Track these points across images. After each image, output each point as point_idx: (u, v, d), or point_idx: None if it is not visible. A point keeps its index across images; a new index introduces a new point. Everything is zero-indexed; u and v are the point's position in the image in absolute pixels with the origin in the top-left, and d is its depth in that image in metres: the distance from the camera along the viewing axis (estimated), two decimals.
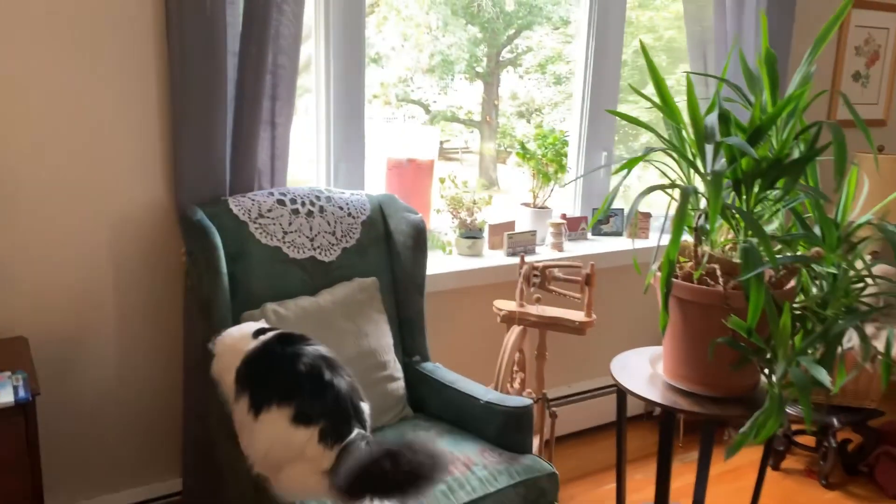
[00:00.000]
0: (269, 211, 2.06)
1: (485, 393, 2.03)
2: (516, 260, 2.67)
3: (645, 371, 2.16)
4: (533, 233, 2.82)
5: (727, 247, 1.95)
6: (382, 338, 2.10)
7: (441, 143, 4.74)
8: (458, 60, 3.76)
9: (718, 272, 1.89)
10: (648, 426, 3.11)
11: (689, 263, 2.03)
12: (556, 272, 2.33)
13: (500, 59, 3.93)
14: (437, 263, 2.61)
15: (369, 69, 2.63)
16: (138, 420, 2.12)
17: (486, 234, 2.81)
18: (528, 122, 3.65)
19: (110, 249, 2.01)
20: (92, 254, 1.99)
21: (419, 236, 2.18)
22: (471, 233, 2.73)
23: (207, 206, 2.00)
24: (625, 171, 1.92)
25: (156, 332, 2.11)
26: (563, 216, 3.00)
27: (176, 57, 1.95)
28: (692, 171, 1.96)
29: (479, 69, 3.93)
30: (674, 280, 2.00)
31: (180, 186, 2.04)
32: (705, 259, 1.92)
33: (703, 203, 1.96)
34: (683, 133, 1.97)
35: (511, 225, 2.88)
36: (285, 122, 2.16)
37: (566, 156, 2.95)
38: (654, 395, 2.02)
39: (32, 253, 1.90)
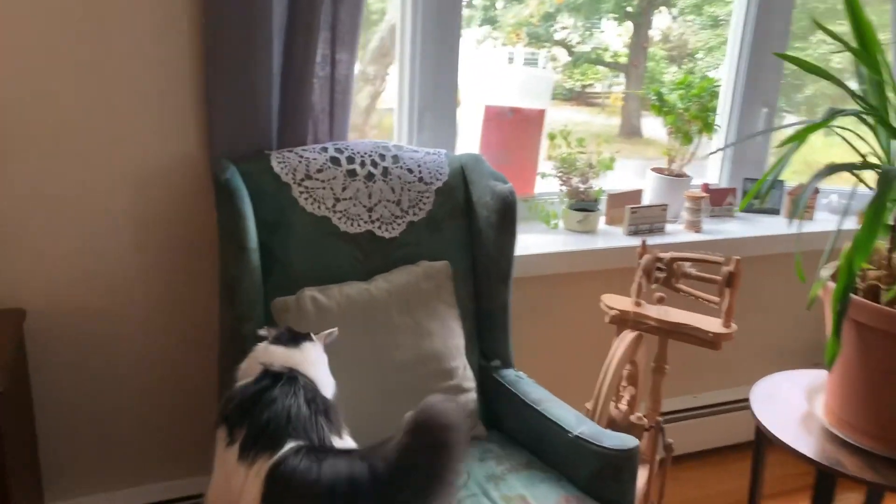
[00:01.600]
0: (319, 171, 1.65)
1: (577, 423, 1.56)
2: (637, 241, 2.13)
3: (798, 407, 1.61)
4: (663, 207, 2.27)
5: None
6: (450, 338, 1.66)
7: (583, 86, 4.37)
8: None
9: None
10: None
11: (877, 274, 1.45)
12: (688, 267, 1.79)
13: None
14: (536, 240, 2.13)
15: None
16: (161, 410, 1.81)
17: (603, 205, 2.29)
18: (679, 67, 3.31)
19: (132, 211, 1.68)
20: (110, 215, 1.66)
21: (506, 212, 1.70)
22: (583, 204, 2.21)
23: (245, 162, 1.62)
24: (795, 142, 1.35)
25: (186, 311, 1.78)
26: (705, 187, 2.41)
27: None
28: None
29: (629, 9, 3.65)
30: (853, 297, 1.43)
31: (215, 138, 1.66)
32: None
33: None
34: (889, 92, 1.36)
35: (636, 195, 2.33)
36: (348, 58, 1.73)
37: (714, 111, 2.34)
38: (810, 446, 1.50)
39: (38, 212, 1.60)
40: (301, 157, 1.65)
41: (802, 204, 1.46)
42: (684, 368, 2.23)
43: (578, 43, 4.19)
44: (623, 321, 1.85)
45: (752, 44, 2.42)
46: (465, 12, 3.51)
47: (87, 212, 1.64)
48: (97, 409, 1.75)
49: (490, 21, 3.66)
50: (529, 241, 2.12)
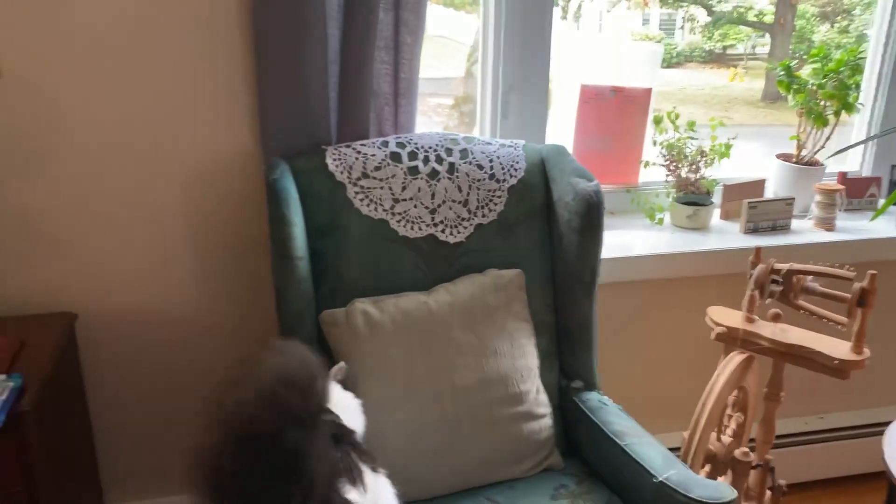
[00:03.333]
0: (377, 169, 1.49)
1: (664, 465, 1.33)
2: (757, 241, 1.84)
3: None
4: (789, 201, 1.95)
5: None
6: (520, 358, 1.47)
7: (724, 48, 4.08)
8: None
9: None
10: None
11: None
12: (810, 281, 1.50)
13: None
14: (636, 238, 1.89)
15: None
16: None
17: (718, 198, 2.00)
18: (832, 26, 2.97)
19: (185, 211, 1.59)
20: (162, 217, 1.58)
21: (590, 214, 1.48)
22: (693, 197, 1.93)
23: (300, 158, 1.49)
24: None
25: (243, 314, 1.68)
26: (842, 177, 2.06)
27: None
28: None
29: None
30: None
31: (269, 133, 1.53)
32: None
33: None
34: None
35: (758, 186, 2.03)
36: (413, 42, 1.55)
37: (857, 87, 1.99)
38: None
39: (88, 214, 1.54)
40: (359, 152, 1.49)
41: None
42: (804, 387, 1.92)
43: (719, 2, 3.90)
44: (731, 339, 1.59)
45: None
46: None
47: (138, 213, 1.56)
48: (152, 412, 1.70)
49: None
50: (628, 240, 1.88)
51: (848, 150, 2.07)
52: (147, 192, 1.55)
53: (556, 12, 3.55)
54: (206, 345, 1.68)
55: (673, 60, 4.24)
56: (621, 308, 1.87)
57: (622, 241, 1.88)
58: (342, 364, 1.27)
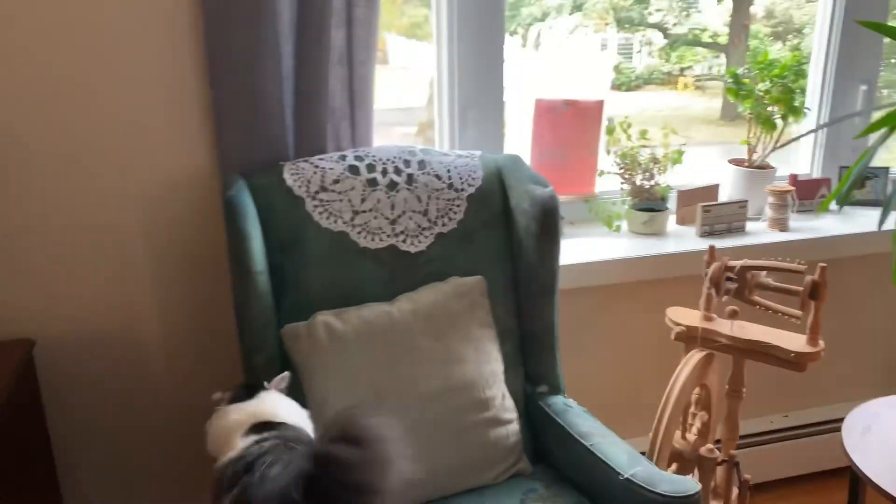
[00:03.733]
0: (336, 182, 1.50)
1: (629, 462, 1.34)
2: (715, 244, 1.88)
3: None
4: (742, 204, 2.00)
5: None
6: (485, 364, 1.48)
7: (681, 69, 4.19)
8: None
9: None
10: None
11: None
12: (764, 277, 1.54)
13: None
14: (595, 245, 1.91)
15: None
16: (182, 435, 1.70)
17: (673, 204, 2.04)
18: (784, 44, 3.04)
19: (144, 232, 1.58)
20: (120, 238, 1.57)
21: (546, 219, 1.50)
22: (648, 203, 1.97)
23: (257, 174, 1.49)
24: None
25: (205, 334, 1.66)
26: (793, 179, 2.12)
27: None
28: None
29: None
30: None
31: (225, 150, 1.54)
32: None
33: None
34: None
35: (712, 191, 2.07)
36: (366, 57, 1.57)
37: (802, 91, 2.05)
38: None
39: (44, 236, 1.52)
40: (316, 167, 1.50)
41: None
42: (769, 386, 1.95)
43: (675, 24, 4.00)
44: (691, 338, 1.62)
45: (844, 9, 2.10)
46: (555, 1, 3.31)
47: (97, 236, 1.55)
48: (114, 435, 1.67)
49: (579, 8, 3.47)
50: (587, 247, 1.91)
51: (791, 143, 2.11)
52: (105, 214, 1.54)
53: (516, 41, 3.62)
54: (169, 365, 1.66)
55: (632, 84, 4.33)
56: (584, 313, 1.89)
57: (582, 248, 1.91)
58: (286, 374, 1.28)
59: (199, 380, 1.67)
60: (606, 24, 3.50)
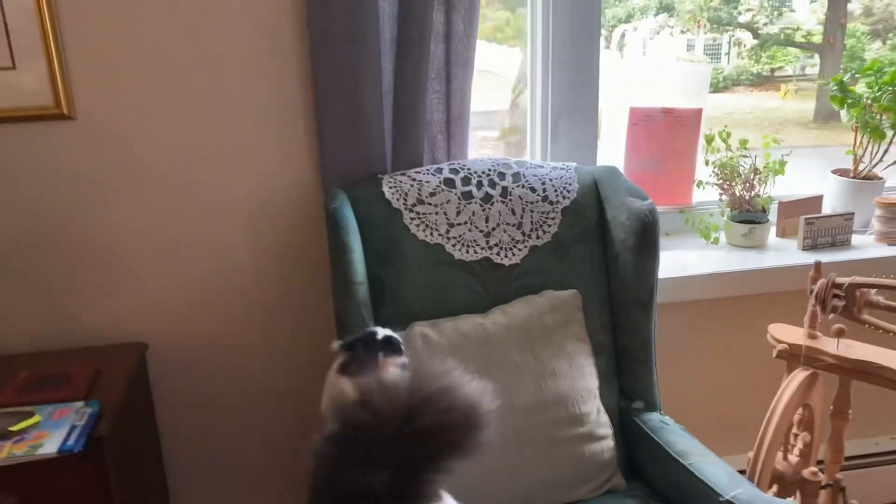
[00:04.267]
0: (432, 195, 1.52)
1: (730, 484, 1.31)
2: (815, 258, 1.82)
3: None
4: (848, 216, 1.92)
5: None
6: (580, 379, 1.47)
7: (772, 70, 4.08)
8: None
9: None
10: None
11: None
12: (874, 294, 1.47)
13: None
14: (691, 258, 1.88)
15: None
16: (288, 440, 1.76)
17: (774, 216, 1.98)
18: (884, 42, 2.96)
19: (249, 241, 1.64)
20: (226, 247, 1.64)
21: (645, 233, 1.48)
22: (748, 215, 1.92)
23: (357, 187, 1.53)
24: None
25: (308, 340, 1.72)
26: None
27: None
28: None
29: None
30: None
31: (327, 163, 1.58)
32: None
33: None
34: None
35: (815, 202, 2.00)
36: (463, 71, 1.59)
37: None
38: None
39: (157, 245, 1.60)
40: (413, 180, 1.53)
41: None
42: (874, 406, 1.87)
43: (766, 24, 3.89)
44: (794, 357, 1.57)
45: None
46: (640, 1, 3.29)
47: (202, 244, 1.62)
48: (222, 439, 1.74)
49: (667, 9, 3.42)
50: (684, 260, 1.88)
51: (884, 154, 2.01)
52: (212, 224, 1.61)
53: (601, 43, 3.56)
54: (272, 371, 1.72)
55: (720, 85, 4.22)
56: (680, 328, 1.86)
57: (678, 261, 1.88)
58: (405, 360, 1.22)
59: (298, 385, 1.73)
60: (699, 25, 3.42)
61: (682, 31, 3.55)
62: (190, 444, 1.74)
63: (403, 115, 1.57)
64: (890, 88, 1.89)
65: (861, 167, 2.01)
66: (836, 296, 1.49)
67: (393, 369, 1.21)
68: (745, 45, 4.10)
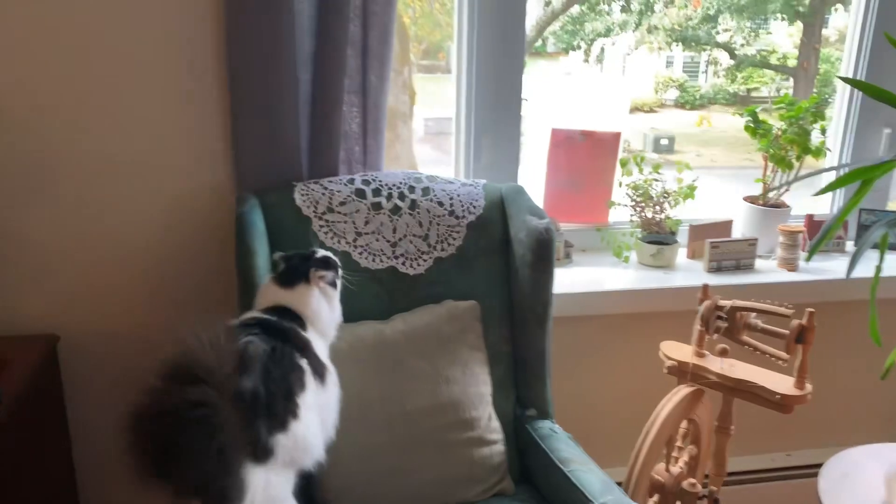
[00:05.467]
0: (342, 204, 1.58)
1: (602, 491, 1.38)
2: (722, 280, 1.91)
3: (875, 497, 1.34)
4: (751, 241, 2.01)
5: None
6: (473, 386, 1.54)
7: (748, 91, 4.18)
8: None
9: None
10: None
11: None
12: (753, 318, 1.56)
13: None
14: (603, 275, 1.96)
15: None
16: None
17: (685, 238, 2.07)
18: None
19: (165, 241, 1.69)
20: (142, 246, 1.68)
21: (541, 250, 1.55)
22: (657, 236, 2.00)
23: (270, 193, 1.58)
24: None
25: None
26: (809, 220, 2.12)
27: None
28: None
29: (801, 8, 3.47)
30: None
31: (243, 169, 1.64)
32: None
33: None
34: None
35: (725, 227, 2.09)
36: (379, 83, 1.65)
37: (823, 131, 2.06)
38: None
39: (73, 240, 1.64)
40: (325, 188, 1.59)
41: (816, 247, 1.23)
42: (769, 424, 1.96)
43: (743, 45, 3.97)
44: (682, 373, 1.66)
45: (870, 52, 2.11)
46: (619, 17, 3.38)
47: (117, 240, 1.66)
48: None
49: (645, 24, 3.51)
50: (594, 276, 1.96)
51: (788, 185, 2.10)
52: (127, 221, 1.66)
53: (579, 56, 3.65)
54: None
55: (696, 103, 4.32)
56: (586, 341, 1.94)
57: (591, 277, 1.96)
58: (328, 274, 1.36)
59: None
60: (666, 45, 3.51)
61: (660, 48, 3.65)
62: (102, 438, 1.77)
63: (321, 125, 1.63)
64: (796, 122, 1.98)
65: (770, 195, 2.10)
66: (719, 317, 1.57)
67: (323, 284, 1.34)
68: (721, 65, 4.21)
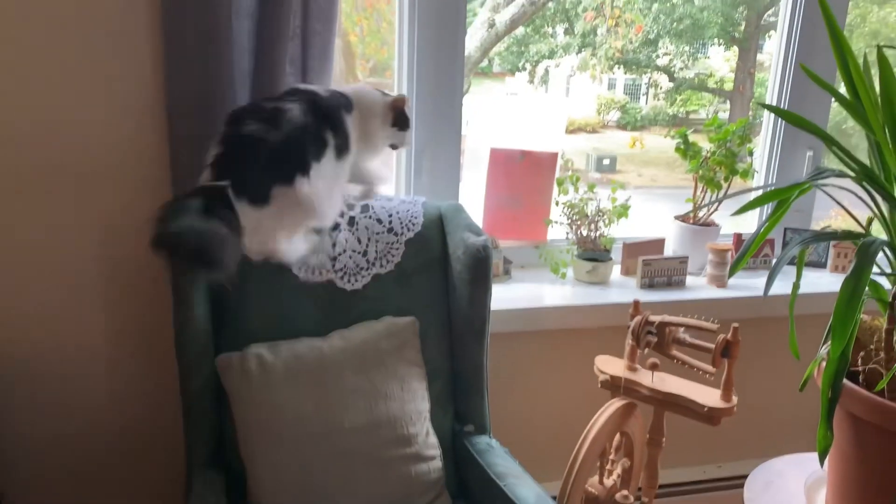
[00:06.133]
0: None
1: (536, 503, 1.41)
2: (654, 296, 1.97)
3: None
4: (682, 259, 2.08)
5: None
6: (411, 402, 1.55)
7: (687, 113, 4.29)
8: (711, 24, 3.49)
9: None
10: None
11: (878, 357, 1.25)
12: (681, 333, 1.61)
13: (762, 22, 3.58)
14: (541, 291, 2.00)
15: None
16: (129, 453, 1.77)
17: (619, 255, 2.13)
18: None
19: (100, 259, 1.66)
20: (75, 265, 1.65)
21: (478, 266, 1.58)
22: (592, 253, 2.06)
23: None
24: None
25: (151, 362, 1.74)
26: (737, 238, 2.21)
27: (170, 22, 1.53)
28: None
29: (736, 34, 3.63)
30: (847, 383, 1.23)
31: (181, 182, 1.62)
32: None
33: None
34: (885, 150, 1.17)
35: (658, 245, 2.16)
36: None
37: (750, 153, 2.14)
38: None
39: (3, 251, 1.60)
40: None
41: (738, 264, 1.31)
42: (700, 437, 2.02)
43: (681, 69, 4.08)
44: (615, 387, 1.70)
45: (793, 76, 2.21)
46: (563, 39, 3.46)
47: (52, 255, 1.63)
48: (62, 453, 1.74)
49: (588, 46, 3.59)
50: (533, 292, 2.00)
51: (717, 204, 2.18)
52: (60, 236, 1.62)
53: (524, 76, 3.71)
54: (111, 385, 1.73)
55: (637, 124, 4.43)
56: (525, 356, 1.97)
57: (529, 293, 2.00)
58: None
59: (138, 401, 1.75)
60: (608, 68, 3.60)
61: (602, 71, 3.74)
62: (28, 460, 1.73)
63: None
64: (723, 144, 2.07)
65: (700, 214, 2.18)
66: (649, 332, 1.62)
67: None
68: (661, 88, 4.34)
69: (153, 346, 1.73)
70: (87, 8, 1.53)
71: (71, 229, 1.63)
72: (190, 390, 1.48)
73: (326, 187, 1.45)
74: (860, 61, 1.31)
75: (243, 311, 1.54)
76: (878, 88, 1.24)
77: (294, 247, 1.45)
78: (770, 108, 2.05)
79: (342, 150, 1.49)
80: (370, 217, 1.64)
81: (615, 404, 1.64)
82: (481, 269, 1.58)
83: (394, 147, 1.68)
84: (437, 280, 1.67)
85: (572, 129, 4.25)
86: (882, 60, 1.17)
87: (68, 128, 1.58)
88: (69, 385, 1.71)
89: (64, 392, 1.71)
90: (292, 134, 1.38)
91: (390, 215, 1.65)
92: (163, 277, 1.59)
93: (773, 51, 2.29)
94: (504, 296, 1.91)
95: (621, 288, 2.05)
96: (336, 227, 1.57)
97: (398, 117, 1.62)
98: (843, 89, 1.37)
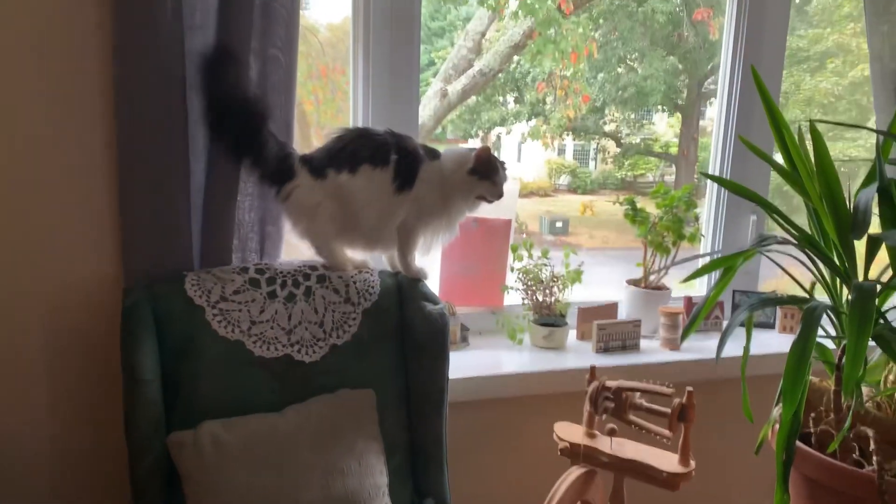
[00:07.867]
0: (236, 293, 1.57)
1: None
2: (609, 360, 1.99)
3: None
4: (636, 323, 2.11)
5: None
6: (369, 477, 1.52)
7: (635, 176, 4.39)
8: (655, 92, 3.59)
9: (873, 442, 1.14)
10: None
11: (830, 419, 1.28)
12: (638, 398, 1.63)
13: (703, 90, 3.70)
14: (498, 358, 2.00)
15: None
16: None
17: (574, 319, 2.16)
18: None
19: (46, 330, 1.61)
20: (20, 334, 1.60)
21: (436, 336, 1.58)
22: (548, 319, 2.08)
23: (159, 284, 1.55)
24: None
25: (100, 440, 1.68)
26: (687, 301, 2.26)
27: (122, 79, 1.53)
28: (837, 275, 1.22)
29: (679, 101, 3.76)
30: (800, 446, 1.26)
31: (131, 258, 1.59)
32: (849, 418, 1.17)
33: None
34: (823, 217, 1.23)
35: (611, 309, 2.19)
36: None
37: (696, 219, 2.21)
38: None
39: None
40: (218, 278, 1.57)
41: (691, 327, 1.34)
42: (656, 501, 2.01)
43: (628, 134, 4.21)
44: (575, 454, 1.69)
45: (733, 143, 2.30)
46: (514, 107, 3.56)
47: None
48: None
49: (539, 115, 3.69)
50: (490, 359, 2.00)
51: (665, 270, 2.24)
52: (4, 311, 1.58)
53: (476, 143, 3.80)
54: (58, 467, 1.67)
55: (587, 187, 4.54)
56: (483, 425, 1.96)
57: (486, 360, 2.00)
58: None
59: (86, 480, 1.69)
60: (558, 135, 3.71)
61: (553, 138, 3.85)
62: None
63: (215, 214, 1.62)
64: (670, 210, 2.13)
65: (651, 278, 2.23)
66: (606, 398, 1.63)
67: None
68: (609, 153, 4.47)
69: (100, 423, 1.67)
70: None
71: (14, 311, 1.59)
72: (140, 470, 1.43)
73: (374, 197, 1.61)
74: (795, 132, 1.38)
75: (196, 387, 1.51)
76: (812, 159, 1.30)
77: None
78: (712, 177, 2.12)
79: (403, 177, 1.62)
80: (327, 287, 1.63)
81: (575, 472, 1.63)
82: (439, 338, 1.58)
83: (483, 199, 1.72)
84: (394, 350, 1.66)
85: (525, 193, 4.35)
86: (815, 133, 1.24)
87: (12, 190, 1.55)
88: (14, 466, 1.63)
89: (7, 474, 1.63)
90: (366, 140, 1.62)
91: (347, 285, 1.65)
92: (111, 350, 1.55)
93: (714, 120, 2.39)
94: (462, 363, 1.91)
95: (577, 353, 2.06)
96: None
97: (479, 164, 1.65)
98: (780, 158, 1.44)
